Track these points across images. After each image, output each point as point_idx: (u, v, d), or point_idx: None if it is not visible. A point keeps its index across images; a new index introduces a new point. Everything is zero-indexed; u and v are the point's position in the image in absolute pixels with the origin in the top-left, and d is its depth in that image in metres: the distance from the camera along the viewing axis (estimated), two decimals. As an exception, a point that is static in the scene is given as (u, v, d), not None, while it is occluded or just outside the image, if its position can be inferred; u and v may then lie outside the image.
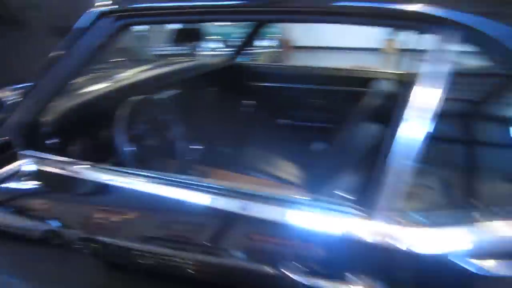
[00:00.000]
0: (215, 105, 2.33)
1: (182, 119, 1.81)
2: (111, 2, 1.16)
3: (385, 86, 1.65)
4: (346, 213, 0.84)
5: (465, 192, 0.88)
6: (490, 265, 0.74)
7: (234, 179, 1.75)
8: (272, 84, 2.45)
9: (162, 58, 2.97)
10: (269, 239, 0.93)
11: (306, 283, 0.84)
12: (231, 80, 2.42)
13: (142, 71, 2.08)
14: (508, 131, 0.89)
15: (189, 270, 1.02)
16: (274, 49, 6.51)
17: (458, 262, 0.74)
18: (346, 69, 2.38)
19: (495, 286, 0.76)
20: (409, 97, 0.80)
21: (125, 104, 1.51)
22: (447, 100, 0.77)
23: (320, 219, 0.86)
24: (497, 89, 0.86)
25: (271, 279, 0.89)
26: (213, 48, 6.18)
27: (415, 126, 0.79)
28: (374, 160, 0.84)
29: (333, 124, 1.92)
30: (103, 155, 1.43)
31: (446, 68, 0.76)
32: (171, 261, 1.04)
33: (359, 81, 2.10)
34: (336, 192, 0.88)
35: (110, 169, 1.14)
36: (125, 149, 1.44)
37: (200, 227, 1.02)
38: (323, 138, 2.08)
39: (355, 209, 0.84)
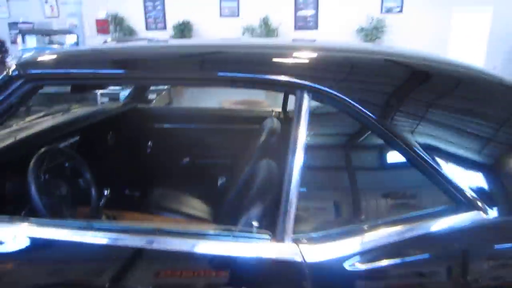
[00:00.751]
0: (120, 150, 2.36)
1: (88, 166, 1.82)
2: (22, 65, 1.21)
3: (275, 124, 1.90)
4: (260, 239, 1.01)
5: (353, 210, 1.11)
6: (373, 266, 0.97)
7: (145, 220, 1.81)
8: (173, 126, 2.57)
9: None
10: (194, 270, 1.06)
11: None
12: (133, 124, 2.48)
13: (39, 119, 2.04)
14: (374, 156, 1.15)
15: None
16: (169, 87, 6.56)
17: (346, 267, 0.96)
18: (240, 109, 2.60)
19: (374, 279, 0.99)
20: (291, 135, 1.03)
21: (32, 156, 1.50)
22: (314, 135, 1.06)
23: (236, 247, 1.01)
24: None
25: None
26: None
27: (301, 159, 1.00)
28: (273, 192, 1.03)
29: (235, 161, 2.10)
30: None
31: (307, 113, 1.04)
32: None
33: (254, 120, 2.33)
34: (249, 221, 1.04)
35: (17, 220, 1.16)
36: (33, 200, 1.42)
37: (116, 268, 1.09)
38: (227, 175, 2.25)
39: (266, 235, 1.01)
